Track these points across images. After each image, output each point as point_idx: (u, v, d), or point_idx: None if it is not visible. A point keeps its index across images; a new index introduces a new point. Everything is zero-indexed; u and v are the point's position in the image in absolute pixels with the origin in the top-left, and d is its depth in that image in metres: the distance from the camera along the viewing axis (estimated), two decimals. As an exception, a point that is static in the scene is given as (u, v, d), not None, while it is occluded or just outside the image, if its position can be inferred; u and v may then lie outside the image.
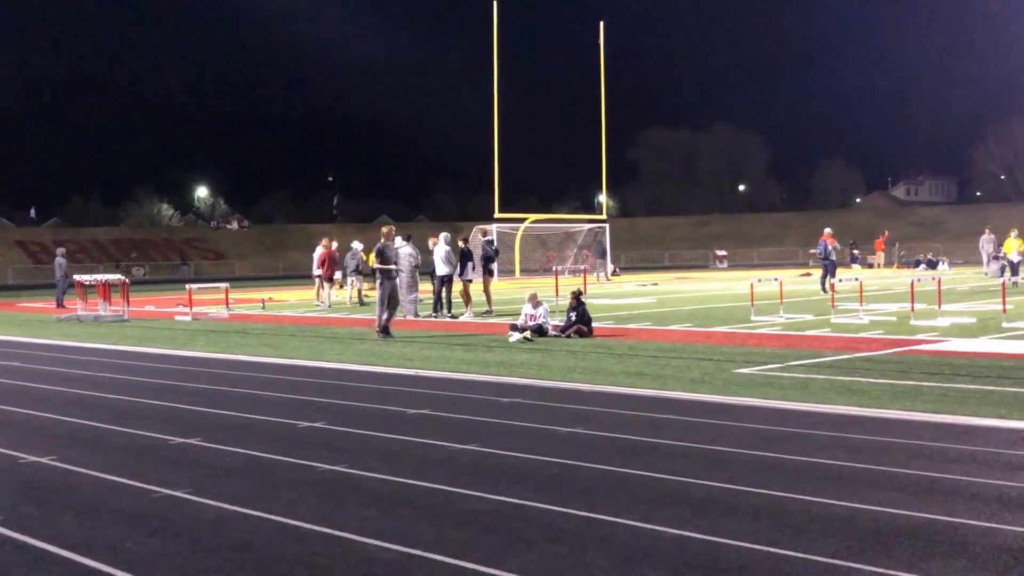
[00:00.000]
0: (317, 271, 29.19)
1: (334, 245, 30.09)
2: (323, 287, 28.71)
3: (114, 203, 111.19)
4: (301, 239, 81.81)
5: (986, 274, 37.98)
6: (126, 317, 25.08)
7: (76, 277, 27.39)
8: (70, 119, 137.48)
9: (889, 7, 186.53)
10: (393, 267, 18.33)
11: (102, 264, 71.97)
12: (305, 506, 6.32)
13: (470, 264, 23.69)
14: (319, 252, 29.13)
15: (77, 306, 25.97)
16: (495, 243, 24.44)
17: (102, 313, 25.35)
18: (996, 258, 40.84)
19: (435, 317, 22.69)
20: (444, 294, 23.10)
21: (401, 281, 23.07)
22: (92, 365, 15.07)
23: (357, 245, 30.14)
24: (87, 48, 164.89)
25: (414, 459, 7.67)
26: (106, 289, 26.03)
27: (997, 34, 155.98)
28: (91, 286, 26.60)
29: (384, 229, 19.18)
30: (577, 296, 17.73)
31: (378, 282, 18.10)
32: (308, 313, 26.20)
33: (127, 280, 27.34)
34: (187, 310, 25.42)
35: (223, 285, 28.45)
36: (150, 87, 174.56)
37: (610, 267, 53.44)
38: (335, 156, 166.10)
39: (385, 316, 17.84)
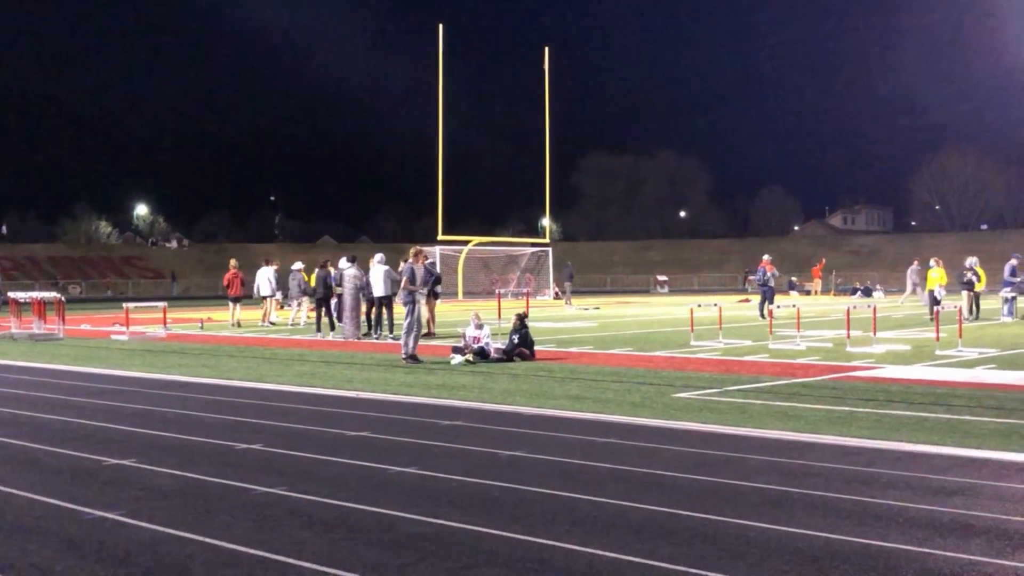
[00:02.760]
0: (266, 292, 29.47)
1: (275, 266, 30.45)
2: (240, 307, 29.31)
3: (51, 220, 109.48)
4: (242, 259, 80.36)
5: (900, 303, 38.81)
6: (61, 336, 24.66)
7: (10, 294, 26.89)
8: (6, 133, 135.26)
9: (828, 41, 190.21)
10: (419, 288, 17.60)
11: (38, 281, 70.66)
12: (241, 529, 6.25)
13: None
14: (262, 271, 29.68)
15: (11, 324, 25.47)
16: (437, 265, 24.38)
17: (36, 331, 24.89)
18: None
19: (375, 338, 22.63)
20: (385, 315, 23.06)
21: (344, 303, 23.01)
22: (25, 384, 14.78)
23: (298, 265, 30.10)
24: (24, 61, 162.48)
25: (353, 482, 7.62)
26: (41, 307, 25.57)
27: (933, 68, 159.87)
28: (26, 303, 26.12)
29: (412, 250, 18.56)
30: (522, 318, 17.78)
31: (409, 307, 17.32)
32: (248, 333, 25.93)
33: (63, 298, 26.90)
34: (124, 329, 25.04)
35: (161, 304, 28.10)
36: (88, 102, 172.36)
37: (552, 290, 53.71)
38: (277, 175, 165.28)
39: (412, 342, 17.21)
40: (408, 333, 17.10)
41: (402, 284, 17.63)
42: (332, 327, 23.99)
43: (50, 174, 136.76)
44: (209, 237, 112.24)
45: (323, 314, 24.54)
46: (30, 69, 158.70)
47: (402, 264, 23.13)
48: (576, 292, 61.17)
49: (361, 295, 22.87)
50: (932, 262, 29.67)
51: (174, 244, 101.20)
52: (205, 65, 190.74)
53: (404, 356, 16.94)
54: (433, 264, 24.41)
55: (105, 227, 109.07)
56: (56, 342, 23.51)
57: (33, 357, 19.25)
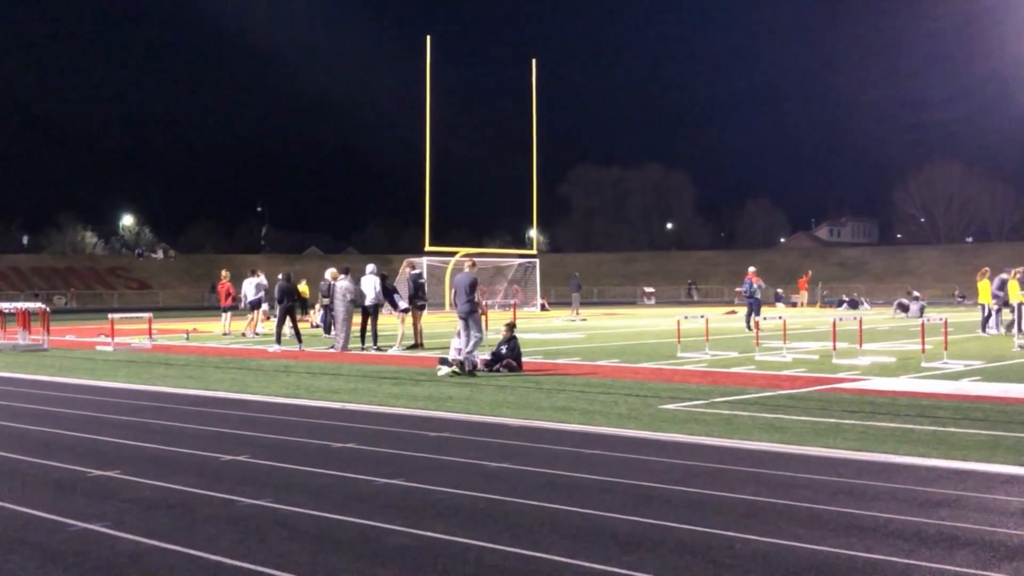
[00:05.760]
0: (252, 300, 29.68)
1: (259, 277, 30.61)
2: (231, 318, 29.81)
3: (36, 230, 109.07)
4: (229, 270, 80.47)
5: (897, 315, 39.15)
6: (46, 346, 24.54)
7: (-6, 305, 26.75)
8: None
9: (814, 54, 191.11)
10: (480, 301, 17.35)
11: (23, 292, 70.33)
12: (226, 541, 6.21)
13: (397, 296, 23.74)
14: (247, 281, 29.89)
15: (-5, 334, 25.33)
16: (423, 276, 24.28)
17: (21, 342, 24.77)
18: (916, 299, 41.91)
19: (362, 350, 22.62)
20: (370, 325, 23.06)
21: (336, 314, 22.95)
22: (9, 395, 14.69)
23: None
24: (8, 71, 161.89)
25: (339, 494, 7.59)
26: (26, 317, 25.45)
27: (919, 82, 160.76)
28: (10, 314, 25.99)
29: (468, 263, 18.36)
30: (511, 328, 17.78)
31: (471, 318, 17.06)
32: (235, 344, 25.87)
33: (47, 309, 26.79)
34: (109, 340, 24.95)
35: (146, 315, 27.99)
36: (74, 112, 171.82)
37: (539, 301, 53.72)
38: (264, 186, 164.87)
39: (461, 354, 16.95)
40: (476, 344, 17.04)
41: (476, 297, 17.39)
42: (295, 334, 23.87)
43: (35, 184, 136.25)
44: (195, 248, 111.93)
45: (287, 324, 24.37)
46: (14, 78, 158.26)
47: (365, 274, 23.20)
48: (562, 303, 61.21)
49: (353, 305, 22.84)
50: (1018, 274, 27.95)
51: (160, 255, 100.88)
52: (191, 75, 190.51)
53: (480, 364, 16.92)
54: (419, 275, 24.18)
55: (90, 238, 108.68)
56: (41, 353, 23.40)
57: (17, 368, 19.14)
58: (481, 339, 17.27)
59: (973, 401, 12.68)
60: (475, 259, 19.15)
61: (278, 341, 23.53)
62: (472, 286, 17.43)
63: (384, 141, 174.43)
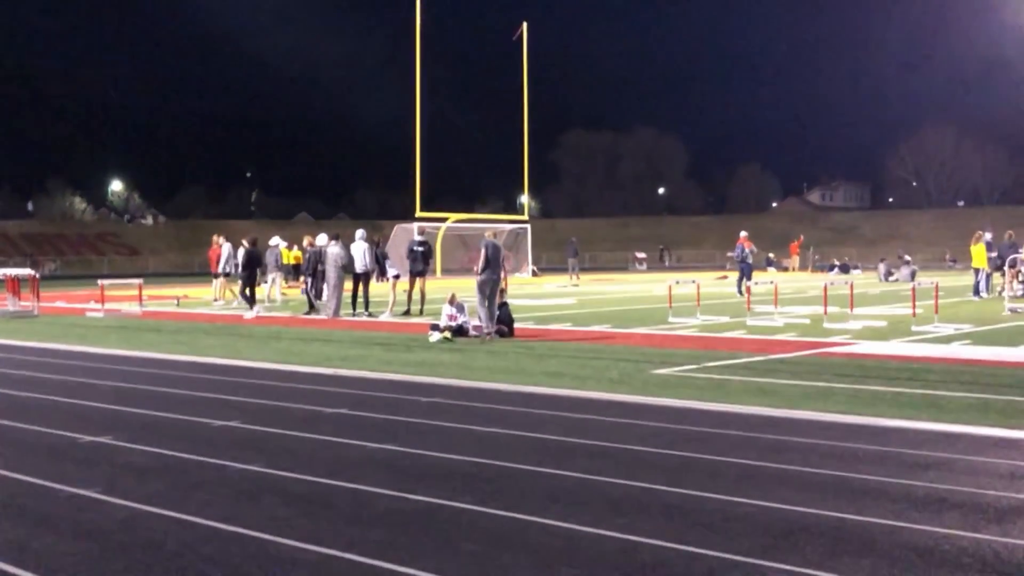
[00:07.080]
0: (225, 268, 29.22)
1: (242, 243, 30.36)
2: (224, 284, 29.14)
3: (24, 196, 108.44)
4: (219, 235, 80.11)
5: (888, 279, 39.41)
6: (36, 312, 24.48)
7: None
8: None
9: (805, 18, 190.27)
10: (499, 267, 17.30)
11: (11, 259, 70.08)
12: (218, 506, 6.22)
13: (388, 262, 23.69)
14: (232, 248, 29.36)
15: (-16, 301, 25.26)
16: (427, 243, 23.86)
17: (11, 308, 24.70)
18: (907, 263, 42.02)
19: (353, 316, 22.60)
20: (362, 291, 23.00)
21: (328, 280, 22.85)
22: (-1, 362, 14.66)
23: (275, 241, 29.97)
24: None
25: (331, 459, 7.60)
26: (15, 284, 25.37)
27: (910, 45, 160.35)
28: (-1, 280, 25.92)
29: (488, 233, 18.31)
30: (503, 293, 17.77)
31: (495, 286, 17.05)
32: (225, 311, 25.82)
33: (37, 275, 26.71)
34: (99, 306, 24.89)
35: (136, 281, 27.93)
36: (61, 77, 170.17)
37: (531, 267, 53.73)
38: (254, 151, 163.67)
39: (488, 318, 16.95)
40: (485, 308, 17.04)
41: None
42: (246, 299, 23.86)
43: (23, 150, 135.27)
44: (184, 213, 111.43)
45: (249, 290, 24.26)
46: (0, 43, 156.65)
47: (355, 240, 23.05)
48: (553, 269, 61.26)
49: (344, 271, 22.75)
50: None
51: (149, 220, 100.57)
52: (180, 40, 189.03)
53: (487, 332, 16.93)
54: (422, 242, 23.56)
55: (79, 203, 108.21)
56: (31, 319, 23.35)
57: (7, 335, 19.10)
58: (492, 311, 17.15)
59: (963, 364, 12.73)
60: (478, 226, 19.08)
61: (251, 305, 23.44)
62: (498, 252, 17.38)
63: (374, 106, 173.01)
